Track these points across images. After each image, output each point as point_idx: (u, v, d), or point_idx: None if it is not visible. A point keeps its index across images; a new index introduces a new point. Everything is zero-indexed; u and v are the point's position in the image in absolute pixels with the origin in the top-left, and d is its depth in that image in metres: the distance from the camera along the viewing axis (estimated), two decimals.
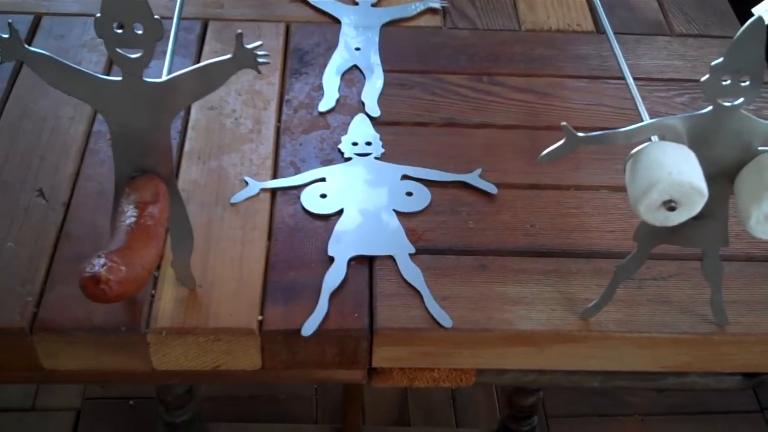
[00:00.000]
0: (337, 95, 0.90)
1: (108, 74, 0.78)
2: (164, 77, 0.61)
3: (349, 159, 0.83)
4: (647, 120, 0.68)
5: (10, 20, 0.57)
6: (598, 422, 1.46)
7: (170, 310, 0.70)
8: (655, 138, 0.64)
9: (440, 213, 0.79)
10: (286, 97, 0.89)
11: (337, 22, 0.99)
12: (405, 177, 0.82)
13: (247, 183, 0.80)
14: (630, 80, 0.80)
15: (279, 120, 0.87)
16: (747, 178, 0.61)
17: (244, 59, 0.60)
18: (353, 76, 0.93)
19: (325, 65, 0.94)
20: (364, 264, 0.75)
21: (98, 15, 0.57)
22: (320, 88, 0.91)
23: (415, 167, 0.83)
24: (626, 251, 0.76)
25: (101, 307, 0.68)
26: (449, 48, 0.97)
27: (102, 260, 0.51)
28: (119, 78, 0.60)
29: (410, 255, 0.75)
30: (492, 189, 0.81)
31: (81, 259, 0.70)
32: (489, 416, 1.47)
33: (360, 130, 0.86)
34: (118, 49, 0.58)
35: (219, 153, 0.83)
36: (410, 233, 0.77)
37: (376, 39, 0.97)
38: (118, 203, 0.63)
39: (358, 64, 0.94)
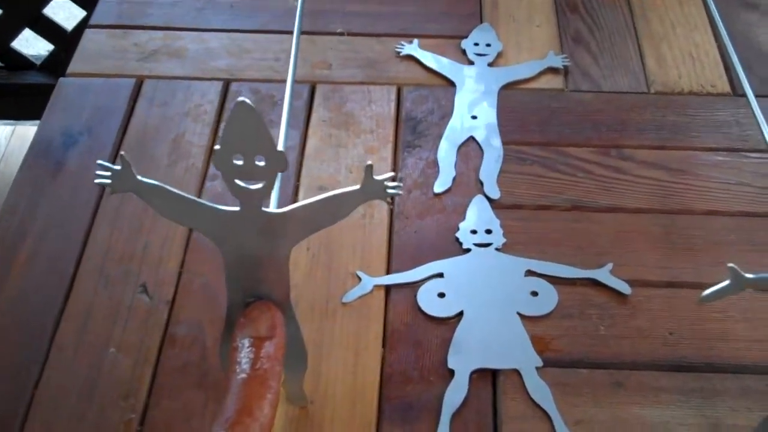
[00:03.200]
0: (453, 173, 0.84)
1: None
2: (286, 208, 0.56)
3: (468, 250, 0.77)
4: None
5: (122, 152, 0.53)
6: None
7: (281, 431, 0.65)
8: None
9: (568, 317, 0.73)
10: (399, 174, 0.84)
11: (452, 84, 0.93)
12: (529, 273, 0.76)
13: (360, 279, 0.75)
14: None
15: (392, 202, 0.82)
16: None
17: (374, 191, 0.55)
18: (469, 149, 0.87)
19: (439, 136, 0.88)
20: (486, 378, 0.69)
21: (218, 147, 0.52)
22: (435, 164, 0.85)
23: (540, 261, 0.76)
24: None
25: (207, 426, 0.64)
26: (572, 114, 0.90)
27: None
28: (237, 208, 0.55)
29: (537, 368, 0.69)
30: (625, 288, 0.74)
31: (187, 367, 0.67)
32: None
33: (479, 216, 0.80)
34: (237, 181, 0.53)
35: (329, 242, 0.78)
36: (536, 341, 0.71)
37: (494, 105, 0.90)
38: (231, 335, 0.58)
39: (475, 136, 0.87)
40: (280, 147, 0.70)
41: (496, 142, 0.87)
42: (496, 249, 0.78)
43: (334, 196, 0.56)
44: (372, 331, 0.72)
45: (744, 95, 0.80)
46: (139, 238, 0.79)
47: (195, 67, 0.95)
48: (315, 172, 0.85)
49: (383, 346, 0.71)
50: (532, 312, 0.73)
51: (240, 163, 0.53)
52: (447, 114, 0.90)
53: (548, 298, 0.74)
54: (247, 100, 0.50)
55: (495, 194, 0.82)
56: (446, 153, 0.86)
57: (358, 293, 0.74)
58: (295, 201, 0.82)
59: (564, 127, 0.89)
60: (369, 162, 0.55)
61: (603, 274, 0.75)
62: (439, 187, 0.83)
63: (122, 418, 0.66)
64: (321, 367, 0.70)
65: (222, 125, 0.51)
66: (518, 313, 0.73)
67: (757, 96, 0.79)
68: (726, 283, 0.55)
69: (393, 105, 0.91)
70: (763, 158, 0.85)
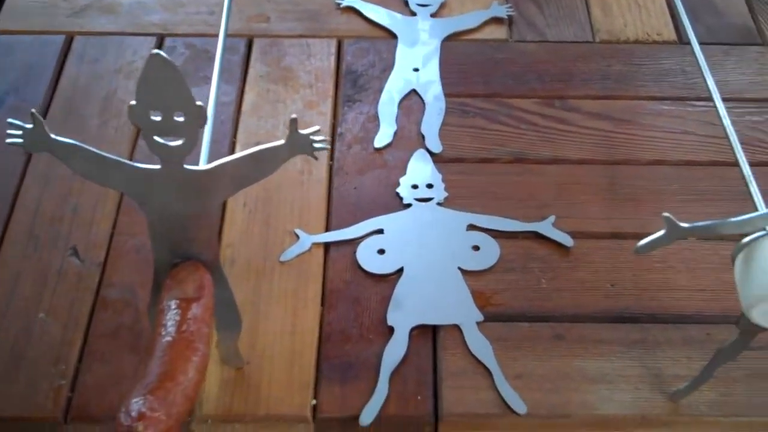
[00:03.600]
0: (394, 127, 0.82)
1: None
2: (209, 165, 0.54)
3: (408, 205, 0.76)
4: (748, 172, 0.60)
5: (33, 110, 0.50)
6: None
7: (216, 394, 0.64)
8: None
9: (510, 270, 0.72)
10: (339, 129, 0.82)
11: (393, 36, 0.91)
12: (471, 227, 0.74)
13: (298, 237, 0.73)
14: (720, 105, 0.71)
15: (332, 158, 0.79)
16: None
17: (299, 146, 0.53)
18: (411, 102, 0.85)
19: (380, 90, 0.86)
20: (427, 335, 0.68)
21: (133, 103, 0.49)
22: (375, 118, 0.83)
23: (482, 215, 0.75)
24: (717, 315, 0.69)
25: None
26: (516, 65, 0.88)
27: (138, 405, 0.45)
28: (158, 166, 0.53)
29: (478, 323, 0.68)
30: (567, 241, 0.73)
31: (119, 330, 0.65)
32: None
33: (420, 170, 0.78)
34: (156, 138, 0.51)
35: (266, 199, 0.76)
36: (477, 296, 0.70)
37: (437, 57, 0.88)
38: (157, 297, 0.56)
39: (417, 89, 0.85)
40: (211, 102, 0.68)
41: (439, 95, 0.85)
42: (438, 204, 0.76)
43: (259, 151, 0.54)
44: (310, 289, 0.70)
45: (689, 43, 0.79)
46: (70, 199, 0.76)
47: (128, 22, 0.92)
48: (252, 128, 0.82)
49: (322, 304, 0.70)
50: (473, 267, 0.71)
51: (158, 119, 0.50)
52: (388, 67, 0.88)
53: (490, 253, 0.72)
54: (162, 53, 0.47)
55: (437, 148, 0.80)
56: (387, 107, 0.84)
57: (297, 251, 0.72)
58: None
59: (508, 79, 0.87)
60: (293, 115, 0.53)
61: (545, 227, 0.74)
62: (379, 142, 0.81)
63: (52, 384, 0.64)
64: (258, 327, 0.68)
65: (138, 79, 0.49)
66: (459, 268, 0.71)
67: (702, 44, 0.78)
68: (661, 232, 0.54)
69: (333, 59, 0.89)
70: (707, 106, 0.84)
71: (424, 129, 0.82)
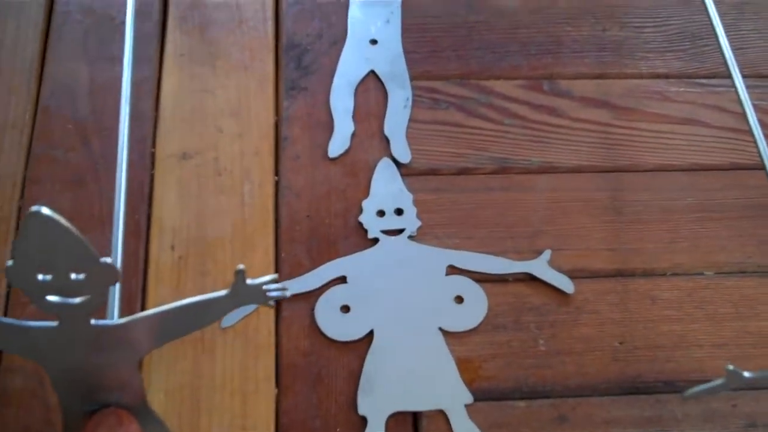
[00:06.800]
0: (351, 127, 0.67)
1: None
2: (124, 319, 0.40)
3: (375, 240, 0.62)
4: None
5: None
6: None
7: None
8: None
9: (501, 328, 0.60)
10: (284, 132, 0.66)
11: None
12: (452, 269, 0.61)
13: None
14: (739, 84, 0.59)
15: (276, 170, 0.65)
16: None
17: (248, 298, 0.39)
18: (369, 88, 0.69)
19: (331, 71, 0.69)
20: (406, 422, 0.56)
21: (9, 263, 0.35)
22: (327, 112, 0.67)
23: (464, 253, 0.62)
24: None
25: None
26: (495, 31, 0.73)
27: None
28: (54, 324, 0.39)
29: (467, 405, 0.56)
30: (567, 285, 0.61)
31: None
32: None
33: (386, 190, 0.64)
34: (49, 298, 0.37)
35: (199, 238, 0.62)
36: (464, 366, 0.58)
37: (398, 22, 0.72)
38: None
39: (376, 69, 0.69)
40: (124, 99, 0.53)
41: (403, 77, 0.69)
42: (410, 237, 0.62)
43: (193, 304, 0.40)
44: (261, 365, 0.58)
45: None
46: None
47: None
48: (175, 132, 0.66)
49: (276, 385, 0.57)
50: (457, 326, 0.59)
51: (49, 278, 0.36)
52: (339, 37, 0.71)
53: (476, 306, 0.60)
54: (44, 210, 0.32)
55: (405, 157, 0.66)
56: (341, 97, 0.68)
57: (241, 312, 0.59)
58: (152, 177, 0.64)
59: (485, 51, 0.71)
60: (240, 266, 0.38)
61: (540, 267, 0.62)
62: (334, 150, 0.66)
63: None
64: (199, 425, 0.55)
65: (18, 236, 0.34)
66: (441, 329, 0.59)
67: None
68: (720, 382, 0.42)
69: (270, 26, 0.72)
70: (723, 86, 0.70)
71: (388, 130, 0.67)
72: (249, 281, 0.40)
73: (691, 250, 0.64)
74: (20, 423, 0.55)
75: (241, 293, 0.41)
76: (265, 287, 0.41)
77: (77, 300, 0.38)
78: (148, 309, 0.56)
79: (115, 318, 0.43)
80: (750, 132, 0.59)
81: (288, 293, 0.42)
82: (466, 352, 0.59)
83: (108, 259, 0.36)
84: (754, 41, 0.74)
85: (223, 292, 0.41)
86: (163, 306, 0.41)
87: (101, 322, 0.40)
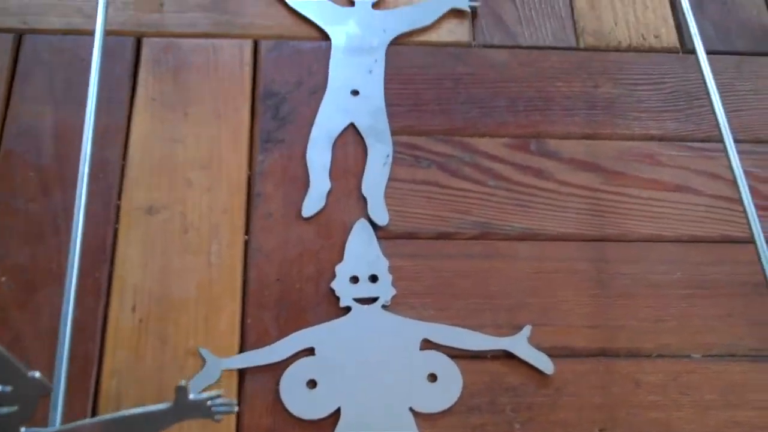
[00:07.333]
0: (327, 185, 0.64)
1: None
2: (59, 427, 0.37)
3: (347, 309, 0.59)
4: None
5: None
6: None
7: None
8: None
9: (475, 410, 0.57)
10: (257, 188, 0.63)
11: (326, 37, 0.70)
12: (426, 343, 0.58)
13: (204, 360, 0.56)
14: (732, 151, 0.57)
15: (246, 229, 0.61)
16: None
17: (192, 412, 0.36)
18: (348, 143, 0.66)
19: (309, 122, 0.66)
20: None
21: None
22: (303, 167, 0.64)
23: (440, 326, 0.59)
24: None
25: None
26: (482, 84, 0.69)
27: None
28: None
29: None
30: (546, 366, 0.58)
31: None
32: None
33: (361, 254, 0.61)
34: None
35: (162, 299, 0.59)
36: None
37: (381, 72, 0.69)
38: None
39: (356, 122, 0.66)
40: (86, 145, 0.50)
41: (384, 132, 0.66)
42: (384, 306, 0.59)
43: (134, 416, 0.37)
44: None
45: (694, 52, 0.62)
46: None
47: None
48: (142, 183, 0.63)
49: None
50: (429, 407, 0.56)
51: None
52: (319, 86, 0.68)
53: (450, 385, 0.57)
54: None
55: (382, 219, 0.63)
56: (319, 152, 0.65)
57: (203, 383, 0.56)
58: (116, 231, 0.61)
59: (471, 106, 0.68)
60: (182, 382, 0.35)
61: (519, 345, 0.59)
62: (308, 209, 0.63)
63: None
64: None
65: None
66: (411, 410, 0.56)
67: (711, 53, 0.62)
68: None
69: (248, 71, 0.69)
70: (716, 150, 0.67)
71: (366, 189, 0.64)
72: (192, 397, 0.37)
73: (679, 329, 0.61)
74: None
75: (184, 409, 0.38)
76: (210, 403, 0.38)
77: (4, 410, 0.35)
78: (104, 376, 0.54)
79: (57, 424, 0.40)
80: (740, 201, 0.56)
81: (235, 409, 0.38)
82: None
83: (36, 373, 0.33)
84: (751, 103, 0.71)
85: (164, 406, 0.38)
86: (104, 416, 0.38)
87: (33, 430, 0.37)
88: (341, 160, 0.65)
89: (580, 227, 0.64)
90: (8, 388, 0.34)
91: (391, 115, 0.67)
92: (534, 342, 0.59)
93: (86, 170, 0.53)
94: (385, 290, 0.60)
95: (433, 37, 0.72)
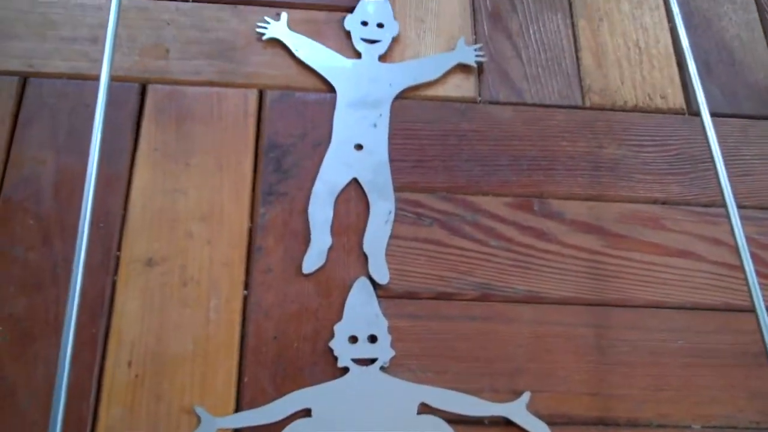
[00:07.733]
0: (329, 242, 0.63)
1: None
2: None
3: (345, 370, 0.58)
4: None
5: None
6: None
7: None
8: None
9: None
10: (258, 241, 0.62)
11: (331, 89, 0.70)
12: (424, 407, 0.58)
13: (199, 419, 0.56)
14: (735, 219, 0.56)
15: (246, 284, 0.61)
16: None
17: None
18: (350, 197, 0.66)
19: (312, 176, 0.66)
20: None
21: None
22: (304, 221, 0.64)
23: (438, 390, 0.59)
24: None
25: None
26: (487, 141, 0.69)
27: None
28: None
29: None
30: None
31: None
32: None
33: (361, 313, 0.61)
34: None
35: (158, 354, 0.58)
36: None
37: (386, 127, 0.68)
38: None
39: (359, 177, 0.66)
40: (87, 199, 0.50)
41: (387, 188, 0.66)
42: (382, 368, 0.59)
43: None
44: None
45: (699, 115, 0.62)
46: None
47: None
48: (143, 235, 0.63)
49: None
50: None
51: None
52: (323, 138, 0.68)
53: None
54: None
55: (383, 278, 0.62)
56: (321, 207, 0.65)
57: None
58: (114, 283, 0.60)
59: (474, 164, 0.68)
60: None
61: (517, 411, 0.58)
62: (309, 265, 0.62)
63: None
64: None
65: None
66: None
67: (716, 116, 0.61)
68: None
69: (252, 122, 0.68)
70: (719, 216, 0.67)
71: (367, 246, 0.63)
72: None
73: (679, 399, 0.60)
74: None
75: None
76: None
77: None
78: None
79: None
80: (742, 269, 0.56)
81: None
82: None
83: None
84: (757, 167, 0.71)
85: None
86: None
87: None
88: (343, 216, 0.65)
89: (581, 291, 0.64)
90: None
91: (394, 171, 0.67)
92: (532, 409, 0.58)
93: (87, 220, 0.53)
94: (384, 351, 0.60)
95: (439, 91, 0.72)
